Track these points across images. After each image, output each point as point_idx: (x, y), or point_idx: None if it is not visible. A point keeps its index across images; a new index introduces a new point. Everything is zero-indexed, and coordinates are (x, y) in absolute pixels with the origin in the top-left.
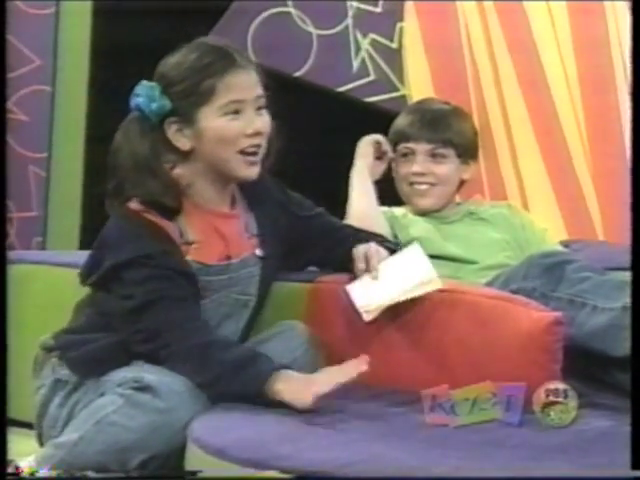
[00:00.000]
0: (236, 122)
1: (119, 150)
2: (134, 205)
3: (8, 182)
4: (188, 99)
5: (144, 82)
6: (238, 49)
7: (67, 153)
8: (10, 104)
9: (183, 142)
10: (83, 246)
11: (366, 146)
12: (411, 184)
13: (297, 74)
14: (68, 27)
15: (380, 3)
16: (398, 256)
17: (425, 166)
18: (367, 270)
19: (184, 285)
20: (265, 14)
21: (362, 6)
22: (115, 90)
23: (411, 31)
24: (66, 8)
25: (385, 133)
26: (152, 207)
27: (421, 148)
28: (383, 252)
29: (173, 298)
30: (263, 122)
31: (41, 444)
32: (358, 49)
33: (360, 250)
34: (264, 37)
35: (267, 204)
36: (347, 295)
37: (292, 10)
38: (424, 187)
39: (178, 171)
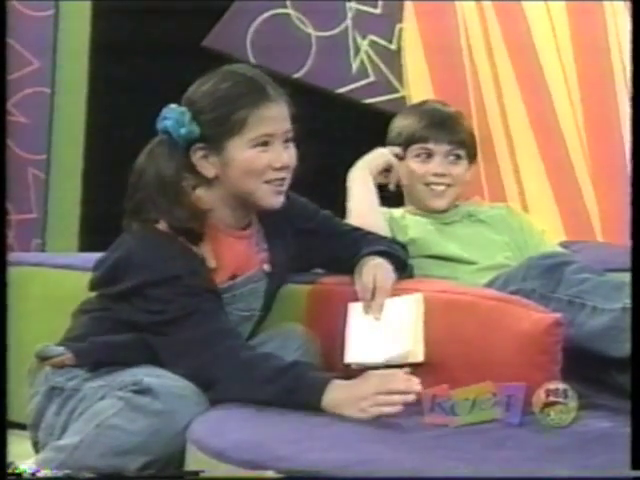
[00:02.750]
0: (265, 155)
1: (144, 171)
2: (162, 226)
3: (7, 184)
4: (218, 128)
5: (173, 106)
6: (269, 79)
7: (66, 155)
8: (9, 106)
9: (208, 169)
10: (82, 248)
11: (380, 158)
12: (428, 184)
13: (296, 75)
14: (67, 29)
15: (379, 4)
16: (399, 306)
17: (444, 167)
18: (370, 306)
19: (213, 300)
20: (264, 15)
21: (361, 7)
22: (115, 91)
23: (410, 32)
24: (65, 10)
25: (384, 134)
26: (179, 231)
27: (440, 149)
28: (389, 278)
29: (205, 312)
30: (290, 156)
31: (37, 452)
32: (357, 50)
33: (366, 275)
34: (263, 38)
35: (276, 218)
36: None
37: (291, 11)
38: (441, 188)
39: (200, 193)
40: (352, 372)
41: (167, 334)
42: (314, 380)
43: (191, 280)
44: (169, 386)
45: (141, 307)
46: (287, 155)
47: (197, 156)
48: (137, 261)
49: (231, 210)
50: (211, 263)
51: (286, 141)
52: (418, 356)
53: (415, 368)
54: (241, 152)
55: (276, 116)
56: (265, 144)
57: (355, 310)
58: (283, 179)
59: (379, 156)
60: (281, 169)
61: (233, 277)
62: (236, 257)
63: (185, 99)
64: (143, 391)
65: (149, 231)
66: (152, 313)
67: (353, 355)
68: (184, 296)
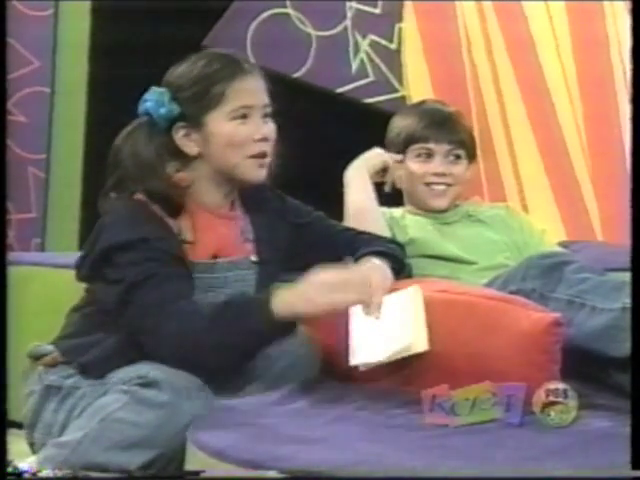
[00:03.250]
0: (244, 127)
1: (121, 152)
2: (139, 196)
3: (7, 183)
4: (197, 104)
5: (153, 88)
6: (243, 56)
7: (66, 154)
8: (9, 105)
9: (190, 146)
10: (82, 248)
11: (376, 158)
12: (428, 184)
13: (296, 75)
14: (67, 28)
15: (379, 4)
16: (398, 301)
17: (444, 167)
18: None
19: (177, 267)
20: (264, 15)
21: (361, 7)
22: (114, 91)
23: (410, 32)
24: (65, 9)
25: (384, 134)
26: (155, 201)
27: (441, 149)
28: (386, 279)
29: (163, 276)
30: (269, 129)
31: (34, 452)
32: (357, 50)
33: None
34: (263, 38)
35: (265, 212)
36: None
37: (291, 11)
38: (442, 187)
39: (182, 175)
40: (358, 374)
41: (130, 301)
42: (260, 295)
43: (158, 243)
44: (174, 379)
45: (109, 278)
46: (266, 128)
47: (179, 135)
48: (105, 227)
49: (214, 187)
50: (188, 236)
51: (265, 116)
52: (421, 346)
53: (416, 367)
54: (220, 125)
55: (253, 88)
56: (244, 117)
57: (356, 312)
58: (264, 153)
59: (375, 156)
60: (261, 141)
61: (214, 257)
62: (216, 236)
63: (163, 82)
64: (149, 384)
65: (123, 200)
66: (115, 282)
67: (358, 356)
68: (149, 260)
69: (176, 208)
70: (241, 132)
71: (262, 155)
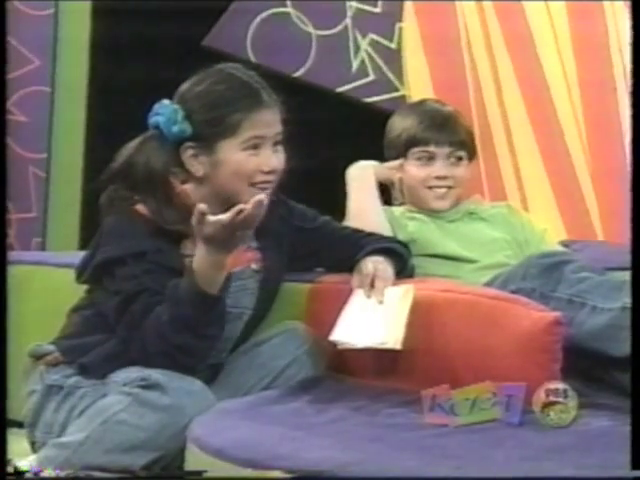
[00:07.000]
0: (254, 158)
1: (132, 164)
2: (140, 208)
3: (8, 183)
4: (211, 129)
5: (166, 102)
6: (263, 84)
7: (67, 154)
8: (10, 105)
9: (197, 168)
10: (83, 247)
11: (385, 171)
12: (430, 187)
13: (296, 74)
14: (67, 27)
15: (379, 3)
16: (388, 295)
17: (446, 169)
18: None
19: (173, 279)
20: (264, 14)
21: (361, 6)
22: (115, 90)
23: (410, 31)
24: (65, 8)
25: (384, 133)
26: (158, 214)
27: (442, 152)
28: (388, 273)
29: (156, 289)
30: (279, 160)
31: (35, 450)
32: (357, 49)
33: (365, 266)
34: (263, 37)
35: (269, 218)
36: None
37: (291, 10)
38: (443, 190)
39: (187, 188)
40: (359, 372)
41: (124, 313)
42: (182, 282)
43: (156, 257)
44: (177, 381)
45: (108, 289)
46: (276, 159)
47: (187, 154)
48: (106, 238)
49: (216, 209)
50: (189, 250)
51: (275, 144)
52: (395, 344)
53: (417, 366)
54: (232, 154)
55: (269, 120)
56: (255, 147)
57: (358, 293)
58: (270, 182)
59: (385, 169)
60: (269, 173)
61: None
62: None
63: (178, 97)
64: (151, 386)
65: (124, 211)
66: (114, 294)
67: (338, 333)
68: (146, 274)
69: (179, 222)
70: (251, 163)
71: (266, 186)
